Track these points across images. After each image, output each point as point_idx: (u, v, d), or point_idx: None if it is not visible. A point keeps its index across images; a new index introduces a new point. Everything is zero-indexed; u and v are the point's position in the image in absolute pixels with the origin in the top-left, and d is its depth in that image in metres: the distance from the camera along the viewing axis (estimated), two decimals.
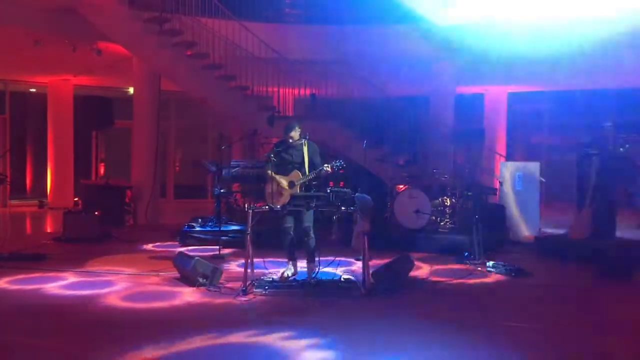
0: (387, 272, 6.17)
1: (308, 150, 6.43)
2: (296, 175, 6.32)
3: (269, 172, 6.32)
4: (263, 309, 5.44)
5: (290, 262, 6.57)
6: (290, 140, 6.42)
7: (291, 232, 6.41)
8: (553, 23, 10.15)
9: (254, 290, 5.83)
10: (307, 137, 6.50)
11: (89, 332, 4.81)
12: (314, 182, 6.51)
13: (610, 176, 8.49)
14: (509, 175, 10.05)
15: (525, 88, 16.49)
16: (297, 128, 6.48)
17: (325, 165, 6.27)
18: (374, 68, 12.52)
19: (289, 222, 6.39)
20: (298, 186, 6.27)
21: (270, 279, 6.22)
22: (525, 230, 9.68)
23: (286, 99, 12.35)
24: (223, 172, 9.25)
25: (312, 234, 6.38)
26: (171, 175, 16.65)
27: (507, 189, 9.95)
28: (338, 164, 6.30)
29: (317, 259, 6.43)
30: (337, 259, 6.85)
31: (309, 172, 6.33)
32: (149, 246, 8.73)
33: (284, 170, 6.39)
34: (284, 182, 6.28)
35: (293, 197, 6.21)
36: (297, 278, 6.38)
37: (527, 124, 18.20)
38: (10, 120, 14.53)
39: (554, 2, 10.08)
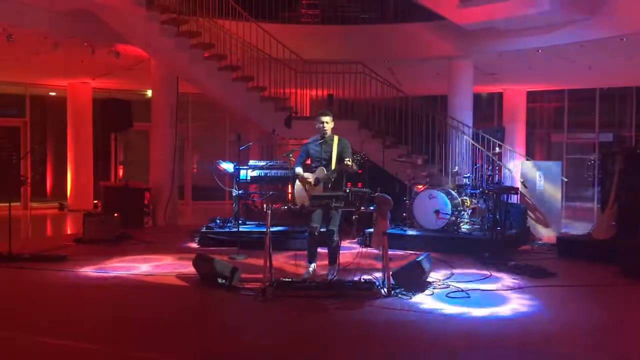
0: (408, 273, 6.10)
1: (338, 146, 6.35)
2: (321, 172, 6.27)
3: (298, 170, 6.26)
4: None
5: (310, 264, 6.52)
6: (322, 126, 6.32)
7: (316, 233, 6.35)
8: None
9: (274, 291, 5.79)
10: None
11: None
12: (342, 182, 6.42)
13: (634, 175, 8.33)
14: (530, 175, 9.92)
15: (545, 87, 16.32)
16: (331, 117, 6.40)
17: (346, 159, 6.18)
18: (392, 67, 12.45)
19: (316, 223, 6.33)
20: (322, 183, 6.22)
21: (290, 280, 6.18)
22: (547, 230, 9.55)
23: (303, 100, 12.31)
24: (240, 174, 9.26)
25: (336, 237, 6.33)
26: (189, 176, 16.70)
27: (528, 188, 9.83)
28: (358, 158, 6.23)
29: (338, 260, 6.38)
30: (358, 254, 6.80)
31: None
32: (168, 247, 8.75)
33: (311, 168, 6.36)
34: (310, 179, 6.24)
35: (314, 196, 6.16)
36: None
37: (547, 122, 18.01)
38: (31, 123, 14.69)
39: None
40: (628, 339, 4.76)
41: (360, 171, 10.95)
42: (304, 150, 6.47)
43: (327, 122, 6.37)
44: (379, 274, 6.21)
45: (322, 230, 6.42)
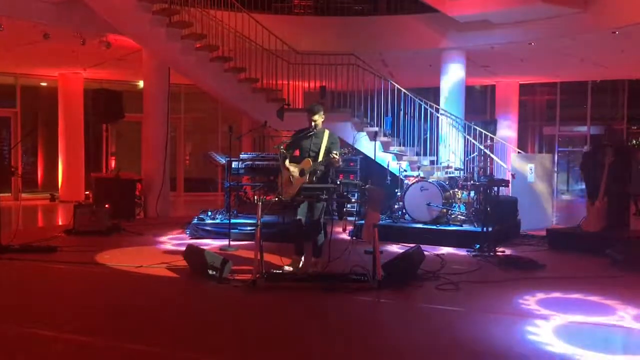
0: (398, 265, 6.12)
1: (328, 140, 6.32)
2: (307, 163, 6.23)
3: (283, 160, 6.21)
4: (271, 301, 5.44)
5: (297, 256, 6.50)
6: (313, 123, 6.31)
7: (302, 224, 6.33)
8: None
9: (264, 283, 5.79)
10: None
11: None
12: (327, 175, 6.42)
13: (624, 168, 8.39)
14: (521, 167, 9.96)
15: (537, 79, 16.36)
16: (322, 112, 6.38)
17: (334, 152, 6.16)
18: (384, 59, 12.44)
19: (300, 214, 6.31)
20: (308, 175, 6.18)
21: (280, 272, 6.18)
22: (537, 223, 9.59)
23: (296, 92, 12.28)
24: (233, 165, 9.24)
25: (321, 233, 6.32)
26: (181, 168, 16.66)
27: (519, 180, 9.87)
28: (345, 151, 6.23)
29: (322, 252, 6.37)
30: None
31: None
32: (159, 239, 8.73)
33: (297, 159, 6.31)
34: (295, 170, 6.19)
35: (303, 188, 6.13)
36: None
37: (539, 115, 18.08)
38: (21, 114, 14.59)
39: None
40: None
41: (352, 163, 10.97)
42: (293, 141, 6.41)
43: (315, 121, 6.34)
44: (369, 266, 6.21)
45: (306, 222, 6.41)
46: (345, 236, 8.68)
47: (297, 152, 6.42)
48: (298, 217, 6.30)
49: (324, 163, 6.22)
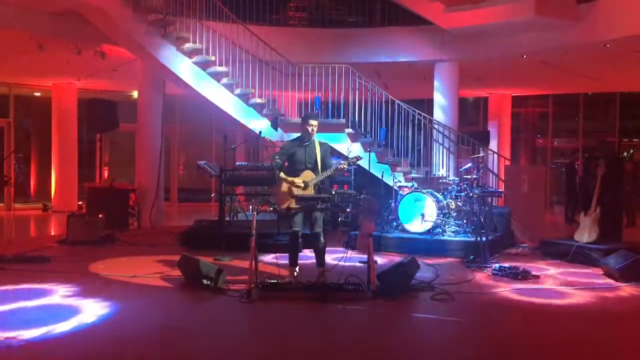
0: (393, 275, 6.12)
1: (321, 150, 6.35)
2: (308, 175, 6.25)
3: (280, 174, 6.21)
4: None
5: (293, 267, 6.49)
6: (310, 129, 6.30)
7: (299, 235, 6.33)
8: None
9: (258, 293, 5.78)
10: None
11: None
12: (323, 185, 6.43)
13: (616, 180, 8.45)
14: (512, 178, 10.01)
15: (529, 92, 16.49)
16: (317, 121, 6.40)
17: (342, 162, 6.20)
18: (379, 70, 12.50)
19: (298, 225, 6.32)
20: (312, 187, 6.21)
21: (275, 282, 6.18)
22: (530, 233, 9.63)
23: (291, 102, 12.32)
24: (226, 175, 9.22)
25: (322, 239, 6.33)
26: (175, 178, 16.64)
27: (512, 191, 9.92)
28: (354, 157, 6.26)
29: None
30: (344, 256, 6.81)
31: (322, 171, 6.26)
32: (153, 249, 8.70)
33: (294, 171, 6.30)
34: (300, 184, 6.18)
35: (299, 198, 6.13)
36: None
37: (532, 127, 18.19)
38: (15, 123, 14.56)
39: None
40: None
41: (346, 174, 11.00)
42: (286, 153, 6.39)
43: (315, 126, 6.35)
44: (364, 276, 6.22)
45: (305, 232, 6.43)
46: (339, 246, 8.67)
47: (286, 163, 6.38)
48: (295, 229, 6.31)
49: (330, 175, 6.24)
